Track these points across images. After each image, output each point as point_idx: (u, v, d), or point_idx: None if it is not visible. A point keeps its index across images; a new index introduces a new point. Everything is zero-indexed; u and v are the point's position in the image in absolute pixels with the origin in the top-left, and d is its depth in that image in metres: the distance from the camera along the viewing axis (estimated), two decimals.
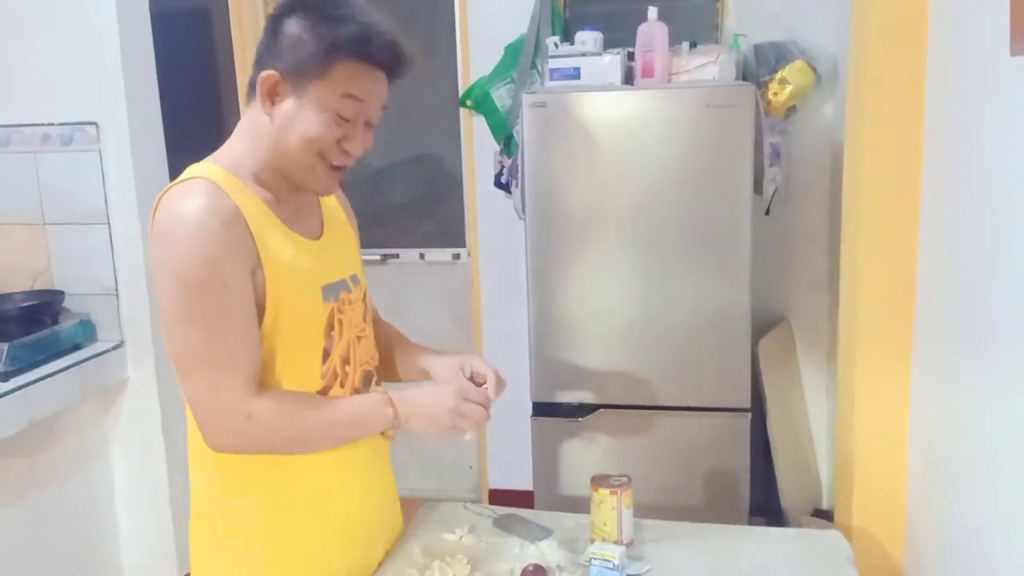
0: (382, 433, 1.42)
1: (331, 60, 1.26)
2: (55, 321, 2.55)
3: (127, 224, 2.61)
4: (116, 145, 2.58)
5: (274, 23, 1.30)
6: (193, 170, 1.30)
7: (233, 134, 1.36)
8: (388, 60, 1.29)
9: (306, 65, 1.26)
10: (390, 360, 1.60)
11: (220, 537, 1.40)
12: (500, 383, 1.49)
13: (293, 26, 1.27)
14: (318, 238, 1.41)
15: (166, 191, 1.27)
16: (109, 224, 2.61)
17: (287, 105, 1.28)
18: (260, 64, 1.30)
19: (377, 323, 1.63)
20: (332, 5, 1.28)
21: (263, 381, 1.30)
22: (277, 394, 1.30)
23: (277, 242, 1.30)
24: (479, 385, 1.47)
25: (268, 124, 1.29)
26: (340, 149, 1.31)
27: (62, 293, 2.61)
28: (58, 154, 2.60)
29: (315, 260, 1.36)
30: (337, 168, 1.33)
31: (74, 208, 2.61)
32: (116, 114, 2.57)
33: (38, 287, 2.64)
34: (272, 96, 1.28)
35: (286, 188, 1.35)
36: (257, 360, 1.29)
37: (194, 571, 1.46)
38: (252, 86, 1.32)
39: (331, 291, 1.38)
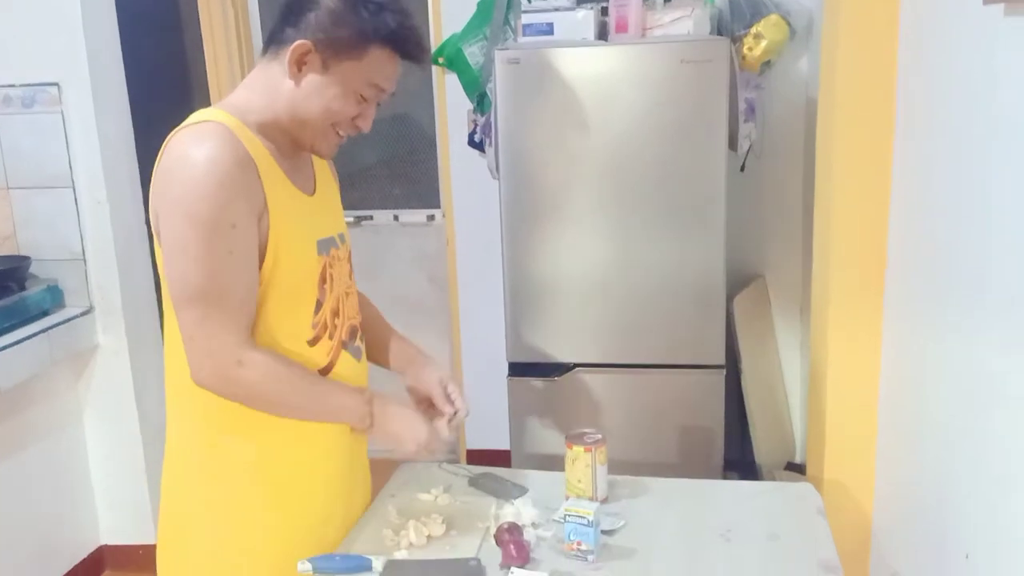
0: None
1: (368, 45, 1.30)
2: (22, 287, 2.51)
3: (93, 187, 2.56)
4: (79, 106, 2.53)
5: None
6: (203, 114, 1.31)
7: (244, 84, 1.39)
8: (417, 56, 1.36)
9: (341, 44, 1.30)
10: (377, 345, 1.63)
11: (199, 479, 1.40)
12: (463, 415, 1.56)
13: (337, 9, 1.30)
14: (312, 194, 1.43)
15: (175, 133, 1.28)
16: (74, 187, 2.56)
17: (314, 75, 1.31)
18: (286, 23, 1.32)
19: (363, 301, 1.64)
20: None
21: (257, 327, 1.33)
22: (271, 352, 1.33)
23: (280, 192, 1.33)
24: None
25: (290, 87, 1.32)
26: (352, 124, 1.37)
27: (28, 259, 2.57)
28: (20, 116, 2.54)
29: (312, 213, 1.41)
30: (341, 137, 1.38)
31: (38, 171, 2.56)
32: (78, 74, 2.51)
33: (3, 253, 2.60)
34: (300, 64, 1.31)
35: (288, 144, 1.37)
36: (253, 305, 1.31)
37: (164, 515, 1.46)
38: (270, 39, 1.34)
39: (324, 246, 1.41)
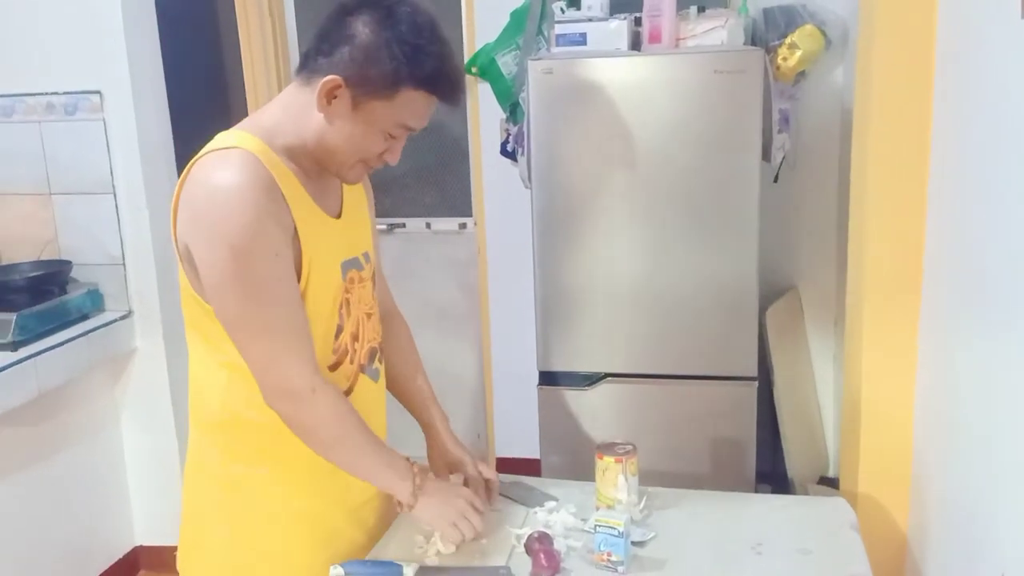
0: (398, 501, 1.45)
1: (400, 88, 1.27)
2: (63, 291, 2.56)
3: (133, 193, 2.61)
4: (120, 114, 2.58)
5: (342, 15, 1.28)
6: (226, 139, 1.29)
7: (272, 105, 1.37)
8: (451, 99, 1.31)
9: (373, 83, 1.26)
10: (399, 385, 1.63)
11: (215, 493, 1.42)
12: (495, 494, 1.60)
13: (366, 33, 1.26)
14: (338, 216, 1.42)
15: (198, 159, 1.27)
16: (115, 193, 2.61)
17: (343, 110, 1.28)
18: (320, 52, 1.28)
19: (395, 322, 1.65)
20: (412, 26, 1.26)
21: None
22: (342, 394, 1.35)
23: (307, 215, 1.32)
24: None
25: (319, 117, 1.29)
26: (379, 158, 1.35)
27: (69, 263, 2.62)
28: (62, 123, 2.60)
29: (337, 236, 1.39)
30: (369, 167, 1.37)
31: (80, 178, 2.62)
32: (119, 83, 2.56)
33: (45, 257, 2.65)
34: (330, 98, 1.28)
35: (315, 168, 1.36)
36: (310, 328, 1.31)
37: (185, 518, 1.48)
38: (304, 62, 1.31)
39: (347, 267, 1.40)
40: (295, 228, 1.28)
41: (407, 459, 1.42)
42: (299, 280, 1.30)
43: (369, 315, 1.46)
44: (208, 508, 1.44)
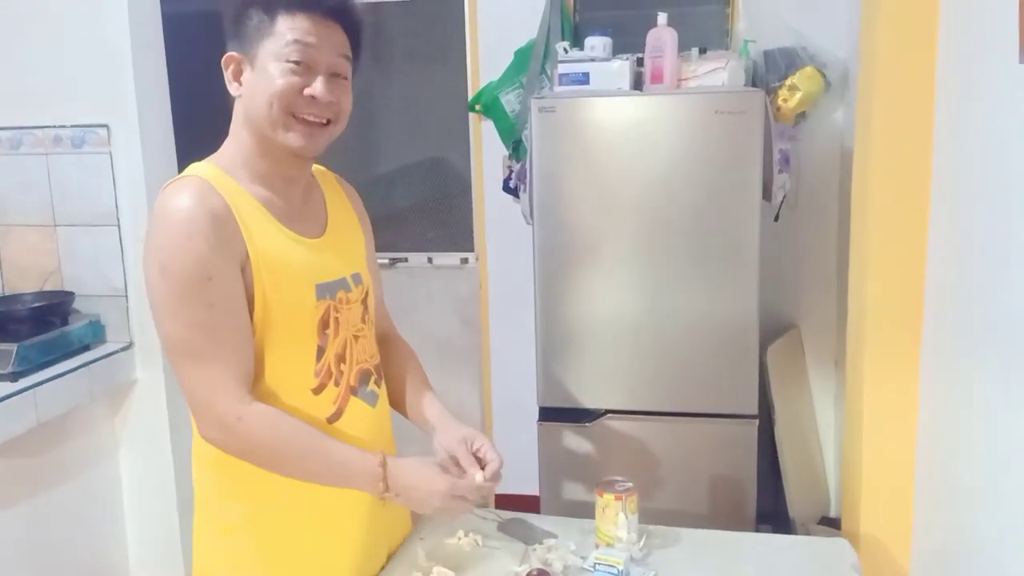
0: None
1: (273, 18, 1.30)
2: (65, 322, 2.56)
3: (137, 226, 2.62)
4: (126, 147, 2.60)
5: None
6: (190, 169, 1.34)
7: (228, 134, 1.39)
8: (327, 5, 1.32)
9: (253, 33, 1.32)
10: (400, 395, 1.59)
11: (220, 535, 1.41)
12: (498, 474, 1.44)
13: (238, 8, 1.34)
14: (318, 237, 1.41)
15: (164, 188, 1.31)
16: (119, 226, 2.62)
17: (248, 77, 1.33)
18: (223, 56, 1.36)
19: (395, 342, 1.63)
20: None
21: (259, 377, 1.32)
22: (274, 410, 1.31)
23: (268, 238, 1.32)
24: (480, 459, 1.44)
25: (241, 104, 1.34)
26: (305, 100, 1.32)
27: (72, 294, 2.63)
28: (69, 156, 2.62)
29: (311, 258, 1.37)
30: (311, 123, 1.33)
31: (85, 210, 2.63)
32: (127, 117, 2.58)
33: (48, 288, 2.66)
34: (237, 76, 1.33)
35: (283, 182, 1.37)
36: (249, 355, 1.30)
37: (196, 568, 1.46)
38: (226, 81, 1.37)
39: (327, 289, 1.38)
40: (247, 254, 1.28)
41: (375, 456, 1.33)
42: (255, 305, 1.29)
43: (357, 337, 1.43)
44: (211, 552, 1.43)
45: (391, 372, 1.59)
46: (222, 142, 1.40)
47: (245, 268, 1.28)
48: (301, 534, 1.40)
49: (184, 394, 1.31)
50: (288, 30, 1.30)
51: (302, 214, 1.40)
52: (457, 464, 1.43)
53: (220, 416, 1.28)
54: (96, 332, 2.62)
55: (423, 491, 1.35)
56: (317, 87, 1.32)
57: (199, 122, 3.21)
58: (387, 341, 1.63)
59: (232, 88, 1.34)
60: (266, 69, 1.30)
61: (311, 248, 1.38)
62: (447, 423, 1.51)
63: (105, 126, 2.59)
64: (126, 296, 2.65)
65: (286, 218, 1.36)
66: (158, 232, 1.27)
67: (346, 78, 1.37)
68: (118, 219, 2.62)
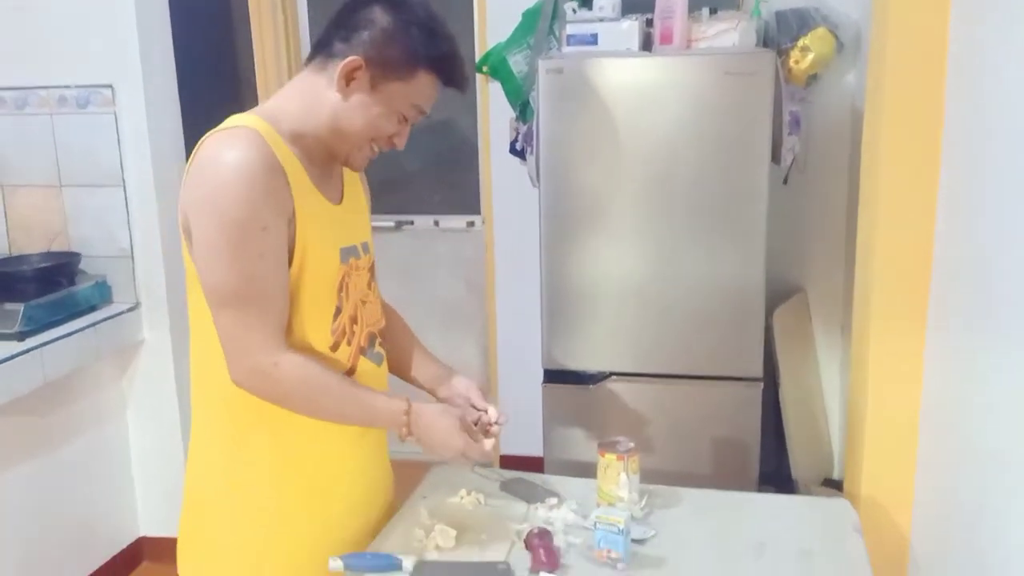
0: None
1: (416, 68, 1.33)
2: (71, 282, 2.57)
3: (142, 186, 2.62)
4: (131, 108, 2.59)
5: (358, 3, 1.35)
6: (237, 119, 1.33)
7: (284, 92, 1.41)
8: (461, 84, 1.40)
9: (392, 64, 1.32)
10: (401, 360, 1.64)
11: (220, 474, 1.43)
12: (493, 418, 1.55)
13: (385, 17, 1.32)
14: (339, 203, 1.45)
15: (208, 137, 1.31)
16: (124, 186, 2.63)
17: (361, 91, 1.33)
18: (337, 37, 1.34)
19: (390, 313, 1.66)
20: (427, 14, 1.35)
21: (288, 330, 1.35)
22: (308, 355, 1.35)
23: (308, 197, 1.35)
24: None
25: (335, 100, 1.34)
26: (389, 140, 1.41)
27: (78, 255, 2.63)
28: (74, 116, 2.61)
29: (336, 223, 1.42)
30: (375, 151, 1.41)
31: (90, 170, 2.63)
32: (132, 77, 2.58)
33: (55, 248, 2.67)
34: (350, 79, 1.33)
35: (319, 153, 1.39)
36: (286, 308, 1.33)
37: (186, 509, 1.49)
38: (317, 49, 1.36)
39: (345, 254, 1.43)
40: (293, 209, 1.31)
41: (401, 402, 1.40)
42: (292, 260, 1.32)
43: (364, 302, 1.48)
44: (211, 492, 1.44)
45: (391, 334, 1.62)
46: (227, 103, 1.40)
47: (291, 222, 1.31)
48: (299, 484, 1.42)
49: (221, 338, 1.32)
50: (422, 91, 1.36)
51: (327, 178, 1.43)
52: (474, 407, 1.55)
53: (257, 362, 1.30)
54: (102, 293, 2.64)
55: (444, 435, 1.42)
56: (403, 140, 1.42)
57: (204, 83, 3.20)
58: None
59: (339, 87, 1.33)
60: (382, 106, 1.34)
61: (335, 212, 1.43)
62: (446, 375, 1.62)
63: (110, 86, 2.58)
64: (132, 257, 2.66)
65: (318, 181, 1.39)
66: (214, 179, 1.27)
67: None
68: (123, 180, 2.62)
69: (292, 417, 1.37)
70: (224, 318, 1.30)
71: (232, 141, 1.27)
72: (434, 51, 1.33)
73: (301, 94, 1.37)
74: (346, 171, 1.51)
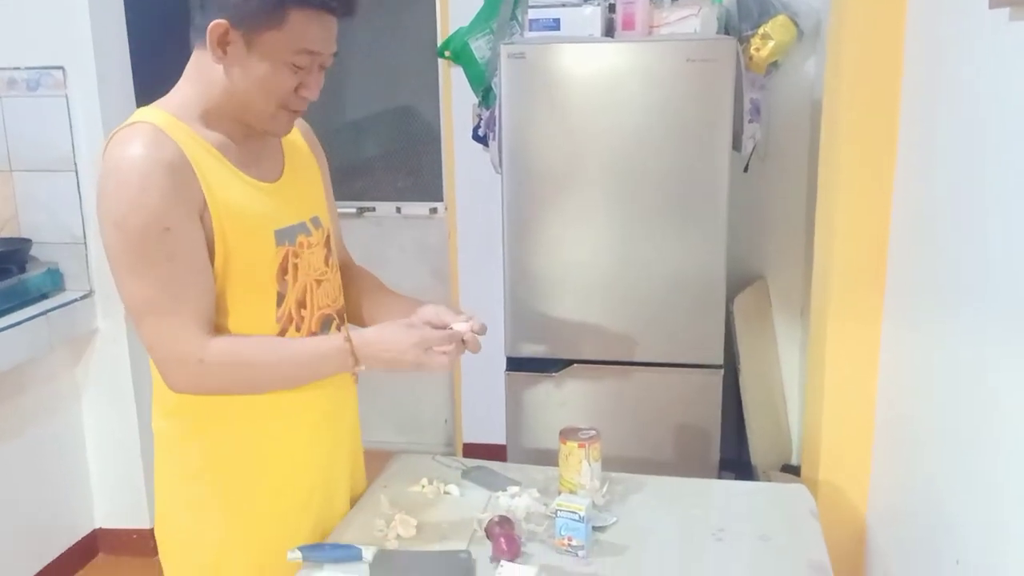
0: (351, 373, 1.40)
1: (286, 10, 1.21)
2: (22, 270, 2.51)
3: (95, 171, 2.55)
4: (83, 90, 2.53)
5: None
6: (139, 114, 1.28)
7: (182, 77, 1.33)
8: (338, 8, 1.26)
9: (257, 15, 1.21)
10: (358, 306, 1.58)
11: (182, 481, 1.40)
12: (482, 326, 1.43)
13: None
14: (276, 180, 1.38)
15: (111, 136, 1.25)
16: (77, 171, 2.56)
17: (239, 54, 1.24)
18: (206, 7, 1.24)
19: (352, 268, 1.62)
20: None
21: (218, 325, 1.30)
22: (231, 337, 1.30)
23: (226, 185, 1.28)
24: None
25: (221, 72, 1.26)
26: (298, 96, 1.29)
27: (29, 241, 2.57)
28: (24, 99, 2.55)
29: (270, 204, 1.34)
30: (294, 111, 1.32)
31: (41, 154, 2.56)
32: (83, 59, 2.51)
33: (5, 235, 2.60)
34: (223, 45, 1.24)
35: (240, 131, 1.32)
36: (210, 303, 1.28)
37: (159, 514, 1.46)
38: (200, 29, 1.26)
39: (286, 235, 1.36)
40: (204, 201, 1.25)
41: (337, 337, 1.34)
42: (215, 253, 1.27)
43: (319, 281, 1.42)
44: (174, 498, 1.42)
45: (351, 295, 1.57)
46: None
47: (204, 216, 1.25)
48: (261, 479, 1.40)
49: (147, 349, 1.28)
50: (300, 32, 1.22)
51: (258, 157, 1.36)
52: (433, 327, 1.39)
53: (186, 366, 1.27)
54: (54, 280, 2.58)
55: (394, 350, 1.32)
56: (313, 89, 1.29)
57: (158, 65, 3.12)
58: (347, 270, 1.60)
59: (215, 55, 1.23)
60: (266, 61, 1.23)
61: (269, 193, 1.35)
62: (415, 304, 1.49)
63: (61, 68, 2.52)
64: (85, 244, 2.60)
65: (242, 163, 1.32)
66: (110, 185, 1.21)
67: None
68: (75, 164, 2.56)
69: (244, 408, 1.34)
70: (146, 328, 1.26)
71: (126, 141, 1.22)
72: None
73: (195, 74, 1.30)
74: (289, 143, 1.44)
